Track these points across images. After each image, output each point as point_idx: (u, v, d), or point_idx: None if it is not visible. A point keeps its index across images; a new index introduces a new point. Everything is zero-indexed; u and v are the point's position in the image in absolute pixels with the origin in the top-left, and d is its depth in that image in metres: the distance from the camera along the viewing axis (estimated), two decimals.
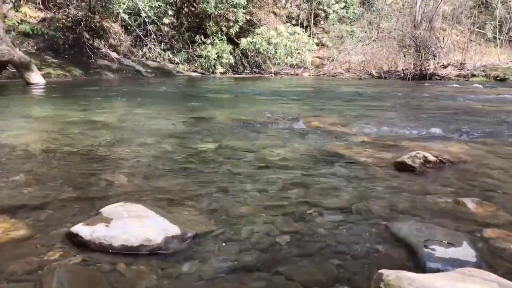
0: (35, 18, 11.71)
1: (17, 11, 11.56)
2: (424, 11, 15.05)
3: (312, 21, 19.67)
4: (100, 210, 1.48)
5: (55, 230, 1.45)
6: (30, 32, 11.07)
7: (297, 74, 16.32)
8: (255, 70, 16.48)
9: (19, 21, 11.12)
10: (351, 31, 18.26)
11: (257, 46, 15.13)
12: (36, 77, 8.23)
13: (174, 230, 1.34)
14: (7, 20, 10.72)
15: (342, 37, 18.55)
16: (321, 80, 13.89)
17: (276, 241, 1.43)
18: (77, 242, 1.31)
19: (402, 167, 2.30)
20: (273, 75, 15.71)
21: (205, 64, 14.75)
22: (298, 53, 15.75)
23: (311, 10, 19.54)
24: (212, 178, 2.14)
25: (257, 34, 15.40)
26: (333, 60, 17.11)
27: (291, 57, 15.60)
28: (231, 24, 15.47)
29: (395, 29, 16.09)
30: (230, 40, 15.85)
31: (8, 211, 1.61)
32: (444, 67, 14.28)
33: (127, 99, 6.50)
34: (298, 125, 3.92)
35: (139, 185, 2.01)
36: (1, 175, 2.15)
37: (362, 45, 17.11)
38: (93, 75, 11.31)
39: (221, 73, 15.23)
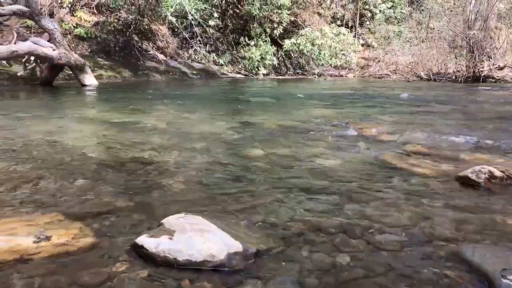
0: (89, 22, 12.25)
1: (73, 15, 12.15)
2: (478, 10, 14.31)
3: (358, 22, 19.25)
4: (162, 221, 1.51)
5: (120, 239, 1.49)
6: (84, 36, 11.60)
7: (341, 76, 16.04)
8: (298, 71, 16.36)
9: (75, 25, 11.68)
10: (399, 31, 17.69)
11: (301, 47, 15.00)
12: (90, 78, 8.60)
13: (237, 246, 1.33)
14: (64, 24, 11.30)
15: (388, 38, 18.02)
16: (366, 82, 13.56)
17: (337, 261, 1.39)
18: (142, 254, 1.33)
19: (465, 182, 2.18)
20: (316, 76, 15.52)
21: (248, 66, 14.81)
22: (343, 54, 15.46)
23: (357, 10, 19.13)
24: (265, 188, 2.12)
25: (301, 35, 15.27)
26: (379, 61, 16.64)
27: (335, 58, 15.35)
28: (275, 25, 15.43)
29: (446, 29, 15.41)
30: (274, 42, 15.83)
31: (76, 216, 1.67)
32: (500, 68, 13.49)
33: (174, 102, 6.64)
34: (348, 131, 3.83)
35: (194, 193, 2.03)
36: (66, 179, 2.25)
37: (410, 45, 16.53)
38: (141, 76, 11.67)
39: (264, 74, 15.24)
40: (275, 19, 15.42)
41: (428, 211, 1.82)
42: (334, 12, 18.80)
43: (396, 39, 17.37)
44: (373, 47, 18.27)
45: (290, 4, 14.93)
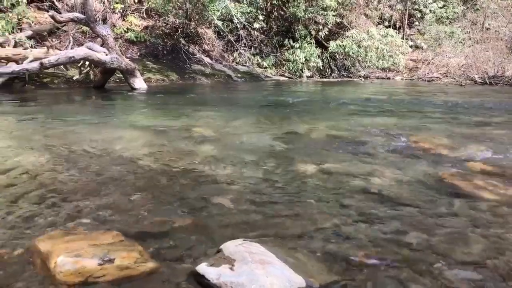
0: (139, 26, 12.66)
1: (124, 20, 12.61)
2: None
3: (406, 22, 18.62)
4: (221, 247, 1.49)
5: (179, 265, 1.49)
6: (134, 40, 12.00)
7: (388, 78, 15.57)
8: (343, 73, 16.07)
9: (126, 30, 12.11)
10: (451, 32, 16.92)
11: (346, 49, 14.71)
12: (139, 82, 8.88)
13: (299, 281, 1.29)
14: (116, 29, 11.74)
15: (439, 39, 17.29)
16: (416, 85, 13.05)
17: None
18: (203, 284, 1.32)
19: None
20: (362, 79, 15.16)
21: (292, 68, 14.72)
22: (391, 56, 15.00)
23: (405, 10, 18.51)
24: (321, 210, 2.06)
25: (347, 37, 14.97)
26: (428, 63, 16.01)
27: (382, 60, 14.91)
28: (320, 27, 15.24)
29: (504, 29, 14.54)
30: (319, 44, 15.63)
31: (135, 236, 1.70)
32: None
33: (220, 107, 6.70)
34: (403, 144, 3.68)
35: (248, 214, 2.01)
36: (122, 192, 2.30)
37: (463, 46, 15.76)
38: (188, 79, 11.91)
39: (308, 76, 15.09)
40: (320, 20, 15.23)
41: (501, 245, 1.68)
42: (382, 13, 18.29)
43: (447, 40, 16.64)
44: (422, 49, 17.63)
45: (336, 5, 14.67)
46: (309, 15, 14.66)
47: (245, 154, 3.31)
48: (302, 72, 14.81)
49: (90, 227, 1.81)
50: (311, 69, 15.13)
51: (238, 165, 2.95)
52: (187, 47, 13.13)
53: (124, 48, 11.58)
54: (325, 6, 14.42)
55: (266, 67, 14.57)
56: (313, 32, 15.33)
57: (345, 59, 15.93)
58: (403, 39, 16.92)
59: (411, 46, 16.99)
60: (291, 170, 2.84)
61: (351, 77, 15.55)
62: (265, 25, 15.27)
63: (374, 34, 14.74)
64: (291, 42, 15.00)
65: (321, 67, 15.35)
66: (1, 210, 2.01)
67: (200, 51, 13.58)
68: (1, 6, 10.14)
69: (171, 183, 2.53)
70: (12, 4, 10.18)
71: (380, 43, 14.70)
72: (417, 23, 19.17)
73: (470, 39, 16.06)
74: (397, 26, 18.46)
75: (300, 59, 14.51)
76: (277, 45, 15.24)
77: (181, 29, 13.02)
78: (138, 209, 2.06)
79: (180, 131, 4.34)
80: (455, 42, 16.17)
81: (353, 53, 14.76)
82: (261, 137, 4.10)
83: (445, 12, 18.16)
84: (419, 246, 1.68)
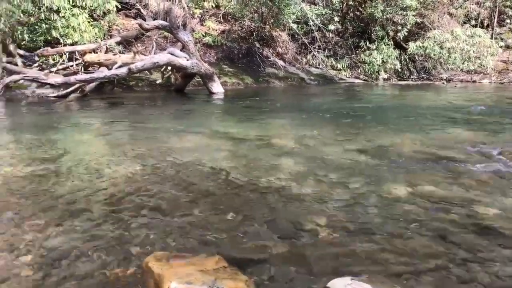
0: (216, 30, 13.06)
1: (202, 25, 13.09)
2: None
3: (496, 20, 17.15)
4: (328, 286, 1.47)
5: None
6: (212, 44, 12.40)
7: (474, 81, 14.46)
8: (423, 76, 15.23)
9: (204, 34, 12.56)
10: None
11: (427, 50, 13.89)
12: (217, 87, 9.15)
13: None
14: (195, 34, 12.22)
15: None
16: (507, 89, 11.96)
17: None
18: None
19: None
20: (444, 82, 14.24)
21: (368, 70, 14.26)
22: (477, 57, 13.89)
23: (495, 7, 17.05)
24: (423, 244, 1.95)
25: (428, 37, 14.14)
26: None
27: (468, 62, 13.87)
28: (399, 28, 14.57)
29: None
30: (397, 45, 14.97)
31: (238, 263, 1.72)
32: None
33: (296, 115, 6.66)
34: (502, 164, 3.38)
35: (346, 245, 1.95)
36: (216, 210, 2.37)
37: None
38: (262, 83, 12.05)
39: (384, 79, 14.52)
40: (399, 21, 14.57)
41: None
42: (468, 11, 17.02)
43: None
44: None
45: (417, 4, 13.93)
46: (387, 16, 14.09)
47: (330, 170, 3.25)
48: (379, 74, 14.29)
49: (191, 249, 1.89)
50: (388, 71, 14.54)
51: (324, 184, 2.91)
52: (261, 50, 13.28)
53: (202, 52, 12.01)
54: (404, 6, 13.77)
55: (340, 69, 14.28)
56: (391, 33, 14.72)
57: (425, 60, 15.09)
58: (492, 38, 15.60)
59: (501, 46, 15.61)
60: (382, 192, 2.73)
61: (431, 80, 14.69)
62: (340, 27, 14.96)
63: (459, 34, 13.75)
64: (367, 43, 14.54)
65: (399, 69, 14.69)
66: (103, 224, 2.16)
67: (273, 54, 13.66)
68: (95, 15, 11.02)
69: (260, 201, 2.56)
70: (104, 13, 11.02)
71: (466, 44, 13.68)
72: (508, 20, 17.58)
73: None
74: (485, 24, 17.07)
75: (376, 61, 14.01)
76: (352, 47, 14.86)
77: (256, 32, 13.21)
78: (233, 230, 2.10)
79: (259, 141, 4.38)
80: None
81: (434, 54, 13.92)
82: (343, 150, 4.00)
83: None
84: None
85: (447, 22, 15.31)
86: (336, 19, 14.39)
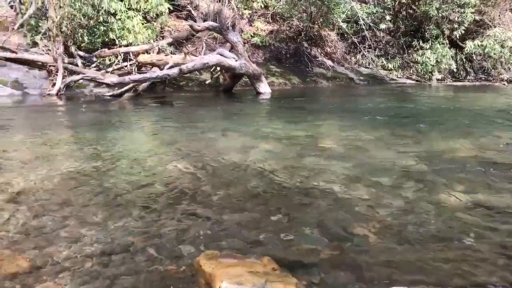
0: (264, 31, 13.12)
1: (250, 25, 13.19)
2: None
3: None
4: None
5: None
6: (260, 44, 12.47)
7: None
8: (480, 76, 14.43)
9: (252, 35, 12.66)
10: None
11: (487, 49, 13.13)
12: (264, 87, 9.19)
13: None
14: (243, 34, 12.35)
15: None
16: None
17: None
18: None
19: None
20: (505, 83, 13.39)
21: (421, 71, 13.72)
22: None
23: None
24: (482, 257, 1.84)
25: (488, 36, 13.36)
26: None
27: None
28: (455, 26, 13.88)
29: None
30: (452, 44, 14.28)
31: (286, 265, 1.72)
32: None
33: (344, 116, 6.54)
34: None
35: (400, 254, 1.89)
36: (263, 211, 2.38)
37: None
38: (309, 83, 11.95)
39: (438, 80, 13.91)
40: (455, 19, 13.87)
41: None
42: None
43: None
44: None
45: (476, 1, 13.19)
46: (443, 13, 13.47)
47: (380, 174, 3.15)
48: (432, 74, 13.71)
49: (240, 249, 1.91)
50: (442, 72, 13.90)
51: (375, 189, 2.83)
52: (309, 50, 13.18)
53: (250, 53, 12.11)
54: (462, 3, 13.09)
55: (391, 69, 13.85)
56: (446, 32, 14.06)
57: (484, 60, 14.28)
58: None
59: None
60: (437, 199, 2.61)
61: (490, 81, 13.87)
62: (391, 25, 14.51)
63: None
64: (421, 42, 13.99)
65: (454, 69, 14.00)
66: (155, 221, 2.23)
67: (322, 54, 13.51)
68: (148, 17, 11.44)
69: (308, 204, 2.54)
70: (157, 14, 11.41)
71: None
72: None
73: None
74: None
75: (430, 60, 13.44)
76: (404, 46, 14.36)
77: (304, 32, 13.13)
78: (282, 232, 2.10)
79: (307, 142, 4.34)
80: None
81: (494, 54, 13.13)
82: (395, 154, 3.87)
83: None
84: None
85: (510, 19, 14.38)
86: (388, 17, 13.96)
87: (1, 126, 5.37)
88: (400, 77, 13.74)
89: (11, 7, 10.52)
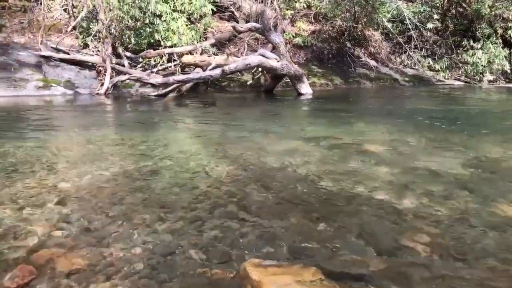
0: (306, 31, 13.01)
1: (292, 25, 13.13)
2: None
3: None
4: None
5: None
6: (302, 44, 12.38)
7: None
8: None
9: (294, 35, 12.58)
10: None
11: None
12: (306, 88, 9.12)
13: None
14: (285, 34, 12.30)
15: None
16: None
17: None
18: None
19: None
20: None
21: (471, 72, 13.09)
22: None
23: None
24: None
25: None
26: None
27: None
28: (510, 25, 13.15)
29: None
30: (506, 43, 13.53)
31: (333, 277, 1.68)
32: None
33: (389, 119, 6.36)
34: None
35: (455, 271, 1.80)
36: (307, 219, 2.35)
37: None
38: (352, 84, 11.73)
39: (489, 81, 13.22)
40: (510, 17, 13.14)
41: None
42: None
43: None
44: None
45: None
46: (496, 12, 12.79)
47: (429, 182, 3.03)
48: (483, 76, 13.06)
49: (286, 257, 1.89)
50: (494, 73, 13.20)
51: (424, 197, 2.72)
52: (352, 50, 12.93)
53: (291, 53, 12.05)
54: None
55: (438, 70, 13.33)
56: (499, 31, 13.34)
57: None
58: None
59: None
60: (492, 210, 2.48)
61: None
62: (439, 25, 13.95)
63: None
64: (471, 42, 13.35)
65: (508, 70, 13.26)
66: (201, 224, 2.26)
67: (365, 54, 13.22)
68: (192, 18, 11.66)
69: (353, 212, 2.48)
70: (200, 16, 11.60)
71: None
72: None
73: None
74: None
75: (481, 61, 12.81)
76: (452, 46, 13.77)
77: (348, 32, 12.89)
78: (328, 241, 2.07)
79: (350, 146, 4.24)
80: None
81: None
82: (444, 160, 3.71)
83: None
84: None
85: None
86: (436, 16, 13.43)
87: (55, 125, 5.67)
88: (448, 79, 13.19)
89: (65, 10, 11.07)
